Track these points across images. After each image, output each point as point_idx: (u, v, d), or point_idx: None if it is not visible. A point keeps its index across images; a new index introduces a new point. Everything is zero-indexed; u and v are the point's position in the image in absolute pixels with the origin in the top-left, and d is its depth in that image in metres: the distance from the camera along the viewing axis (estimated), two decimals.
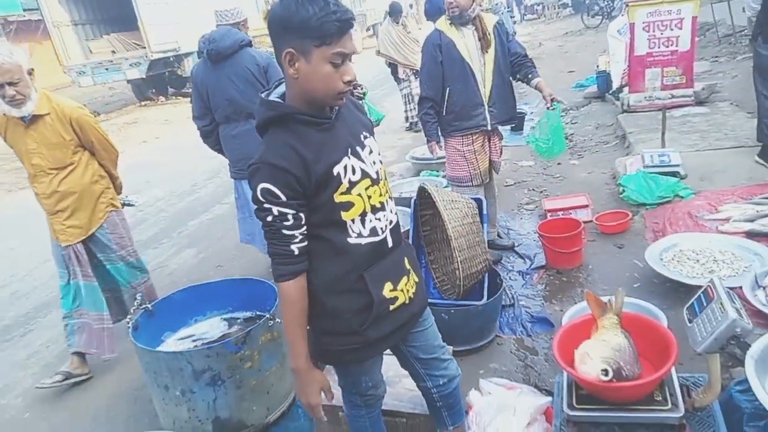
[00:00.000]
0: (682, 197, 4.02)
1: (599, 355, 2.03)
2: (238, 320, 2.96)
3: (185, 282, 4.38)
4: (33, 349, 3.87)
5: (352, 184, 1.52)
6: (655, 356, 2.16)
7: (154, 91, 16.76)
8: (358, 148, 1.55)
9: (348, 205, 1.52)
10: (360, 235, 1.56)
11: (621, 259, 3.63)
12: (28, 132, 2.96)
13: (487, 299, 2.92)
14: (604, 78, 7.60)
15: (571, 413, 2.05)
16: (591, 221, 4.04)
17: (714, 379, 1.96)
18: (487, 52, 3.44)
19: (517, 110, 7.45)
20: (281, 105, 1.49)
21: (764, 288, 2.68)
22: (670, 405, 1.97)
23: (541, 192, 5.05)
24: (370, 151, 1.60)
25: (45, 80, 21.83)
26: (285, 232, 1.47)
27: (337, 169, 1.49)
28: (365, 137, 1.61)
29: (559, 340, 2.19)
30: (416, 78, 7.78)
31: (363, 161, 1.55)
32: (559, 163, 5.67)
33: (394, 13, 7.86)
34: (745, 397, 2.11)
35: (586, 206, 4.20)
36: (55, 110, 2.96)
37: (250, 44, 3.67)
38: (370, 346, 1.68)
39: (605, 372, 1.94)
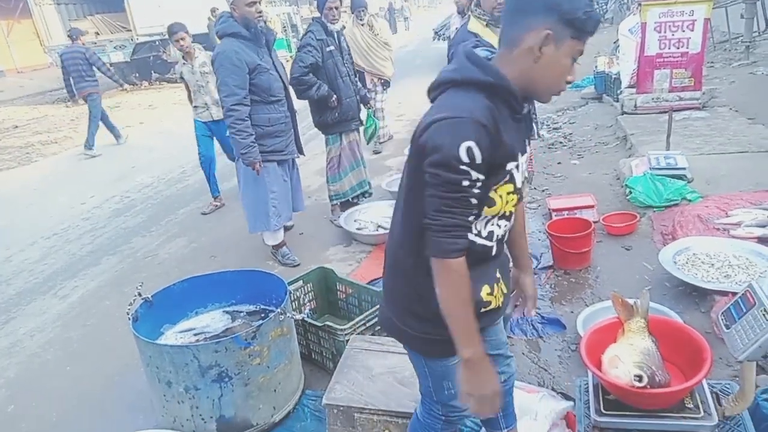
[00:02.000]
0: (689, 200, 3.98)
1: (631, 360, 1.96)
2: (242, 314, 2.82)
3: (177, 272, 4.22)
4: (16, 338, 3.68)
5: (502, 184, 1.42)
6: (684, 361, 2.09)
7: (137, 75, 16.37)
8: (520, 152, 1.46)
9: (492, 202, 1.41)
10: (478, 234, 1.46)
11: (630, 261, 3.57)
12: None
13: None
14: (602, 79, 7.57)
15: (600, 419, 1.97)
16: (597, 222, 3.98)
17: (748, 388, 1.90)
18: None
19: None
20: (503, 77, 1.35)
21: None
22: (702, 413, 1.91)
23: (543, 191, 4.98)
24: (526, 159, 1.52)
25: (23, 60, 21.33)
26: (472, 200, 1.33)
27: (510, 166, 1.40)
28: (527, 143, 1.55)
29: (586, 343, 2.12)
30: (384, 90, 6.99)
31: (520, 166, 1.46)
32: (559, 163, 5.62)
33: (356, 7, 6.49)
34: None
35: (592, 206, 4.14)
36: None
37: (226, 35, 3.69)
38: (449, 343, 1.51)
39: (639, 378, 1.87)
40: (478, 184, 1.32)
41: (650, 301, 2.33)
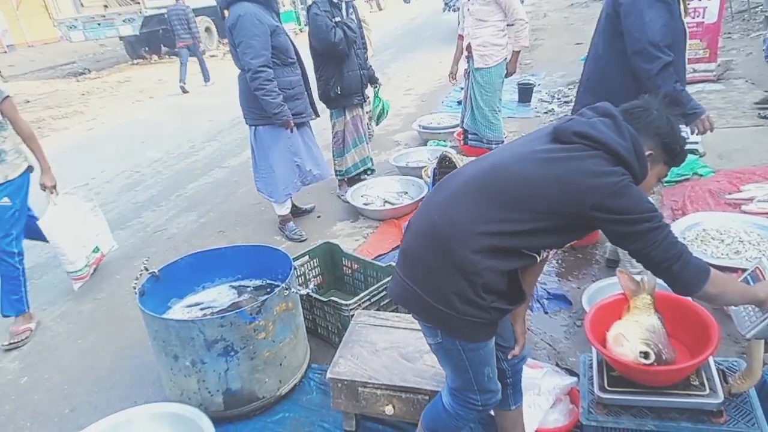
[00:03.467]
0: (701, 175, 3.92)
1: (637, 337, 1.94)
2: (248, 288, 2.84)
3: (186, 247, 4.25)
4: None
5: None
6: (690, 338, 2.08)
7: (147, 49, 16.30)
8: None
9: None
10: (537, 252, 1.66)
11: None
12: None
13: None
14: None
15: (604, 395, 1.97)
16: None
17: (756, 365, 1.88)
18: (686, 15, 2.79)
19: (525, 81, 7.31)
20: (643, 174, 1.56)
21: None
22: (708, 390, 1.90)
23: None
24: None
25: (34, 34, 21.27)
26: None
27: None
28: None
29: (591, 320, 2.10)
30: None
31: None
32: None
33: None
34: None
35: None
36: None
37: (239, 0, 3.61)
38: (494, 325, 1.64)
39: (645, 354, 1.86)
40: None
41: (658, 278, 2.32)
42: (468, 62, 4.83)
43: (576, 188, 1.46)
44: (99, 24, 14.12)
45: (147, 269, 2.61)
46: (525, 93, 7.05)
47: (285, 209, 4.23)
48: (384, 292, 2.76)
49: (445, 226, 1.54)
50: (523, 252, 1.55)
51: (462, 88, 5.34)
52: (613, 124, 1.55)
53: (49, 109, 10.81)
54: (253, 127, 3.94)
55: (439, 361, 1.80)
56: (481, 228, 1.50)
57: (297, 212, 4.50)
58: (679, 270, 1.49)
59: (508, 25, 4.64)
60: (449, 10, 13.93)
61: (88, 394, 2.83)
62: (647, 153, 1.55)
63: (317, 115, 4.21)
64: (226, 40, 16.74)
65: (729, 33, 8.47)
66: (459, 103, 6.88)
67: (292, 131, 3.86)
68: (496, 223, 1.49)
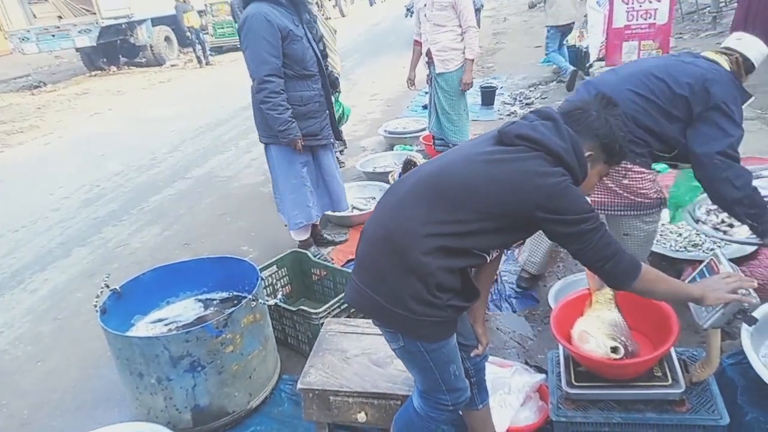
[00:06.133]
0: (658, 172, 3.99)
1: (601, 333, 1.98)
2: (215, 301, 2.79)
3: (150, 261, 4.16)
4: None
5: None
6: (651, 330, 2.13)
7: (105, 60, 15.96)
8: None
9: None
10: (488, 253, 1.69)
11: None
12: None
13: None
14: (574, 53, 7.57)
15: (571, 391, 2.00)
16: None
17: (714, 354, 1.93)
18: None
19: (487, 84, 7.41)
20: (583, 175, 1.62)
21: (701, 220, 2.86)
22: (670, 381, 1.95)
23: None
24: None
25: None
26: None
27: None
28: None
29: (556, 317, 2.14)
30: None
31: None
32: None
33: None
34: (739, 370, 2.12)
35: None
36: None
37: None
38: (453, 323, 1.66)
39: (615, 349, 1.90)
40: None
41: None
42: (429, 68, 4.87)
43: (518, 188, 1.50)
44: (53, 35, 13.73)
45: (108, 286, 2.54)
46: (488, 96, 7.15)
47: (302, 235, 3.76)
48: None
49: (395, 229, 1.56)
50: (473, 251, 1.57)
51: (427, 93, 5.38)
52: (554, 126, 1.59)
53: (2, 123, 10.45)
54: (264, 146, 3.52)
55: (405, 365, 1.81)
56: (429, 229, 1.52)
57: (321, 241, 4.02)
58: (610, 268, 1.56)
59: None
60: (411, 16, 14.02)
61: (50, 419, 2.74)
62: (587, 154, 1.61)
63: (338, 139, 3.69)
64: (187, 50, 16.62)
65: (680, 33, 8.76)
66: (424, 107, 6.95)
67: (301, 152, 3.37)
68: (443, 225, 1.52)
